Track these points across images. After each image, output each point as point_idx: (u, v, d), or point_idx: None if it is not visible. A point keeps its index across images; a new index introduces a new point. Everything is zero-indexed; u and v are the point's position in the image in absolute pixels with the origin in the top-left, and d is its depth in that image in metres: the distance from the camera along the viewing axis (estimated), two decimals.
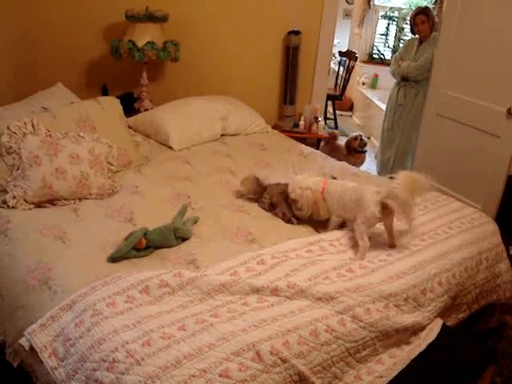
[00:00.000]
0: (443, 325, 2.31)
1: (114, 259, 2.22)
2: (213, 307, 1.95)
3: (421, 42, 4.91)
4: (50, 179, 2.67)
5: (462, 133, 4.02)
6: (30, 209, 2.64)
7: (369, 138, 5.02)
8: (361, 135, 4.99)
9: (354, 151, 5.01)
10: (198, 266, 2.23)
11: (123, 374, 1.64)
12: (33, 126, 2.83)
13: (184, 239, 2.43)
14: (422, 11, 4.82)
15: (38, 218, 2.55)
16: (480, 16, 3.80)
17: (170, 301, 1.97)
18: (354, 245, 2.45)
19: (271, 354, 1.76)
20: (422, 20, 4.81)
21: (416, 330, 2.20)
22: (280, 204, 2.76)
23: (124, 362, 1.67)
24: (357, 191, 2.48)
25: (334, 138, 4.91)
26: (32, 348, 1.90)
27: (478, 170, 3.92)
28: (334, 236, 2.54)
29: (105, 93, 4.20)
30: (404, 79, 4.95)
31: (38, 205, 2.68)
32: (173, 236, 2.37)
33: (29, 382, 2.04)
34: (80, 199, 2.77)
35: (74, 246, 2.33)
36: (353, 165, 3.84)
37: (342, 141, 5.28)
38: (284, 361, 1.77)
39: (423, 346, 2.16)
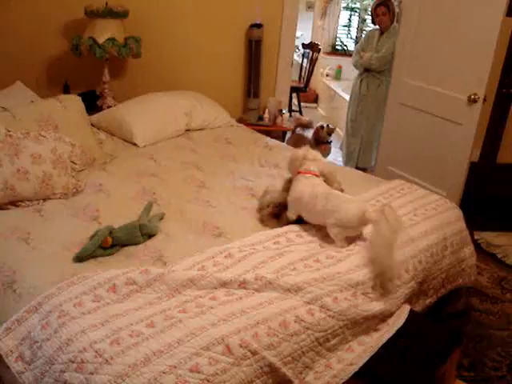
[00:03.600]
0: (411, 310, 2.34)
1: (79, 259, 2.19)
2: (181, 303, 1.94)
3: (382, 32, 4.95)
4: (11, 180, 2.62)
5: (424, 121, 4.07)
6: None
7: (334, 128, 5.01)
8: (327, 124, 4.99)
9: (321, 141, 4.98)
10: (165, 262, 2.22)
11: (92, 374, 1.63)
12: None
13: (150, 236, 2.41)
14: (382, 3, 4.85)
15: (1, 221, 2.50)
16: (440, 6, 3.84)
17: (137, 298, 1.95)
18: (323, 235, 2.46)
19: (241, 346, 1.76)
20: (383, 11, 4.85)
21: (384, 316, 2.23)
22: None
23: (93, 362, 1.66)
24: (336, 199, 2.43)
25: (304, 125, 4.90)
26: None
27: (441, 157, 3.97)
28: (302, 227, 2.54)
29: (66, 91, 4.13)
30: (366, 70, 4.99)
31: (0, 207, 2.62)
32: (139, 233, 2.35)
33: None
34: (44, 199, 2.72)
35: (39, 247, 2.29)
36: None
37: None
38: (254, 353, 1.77)
39: (392, 333, 2.19)
